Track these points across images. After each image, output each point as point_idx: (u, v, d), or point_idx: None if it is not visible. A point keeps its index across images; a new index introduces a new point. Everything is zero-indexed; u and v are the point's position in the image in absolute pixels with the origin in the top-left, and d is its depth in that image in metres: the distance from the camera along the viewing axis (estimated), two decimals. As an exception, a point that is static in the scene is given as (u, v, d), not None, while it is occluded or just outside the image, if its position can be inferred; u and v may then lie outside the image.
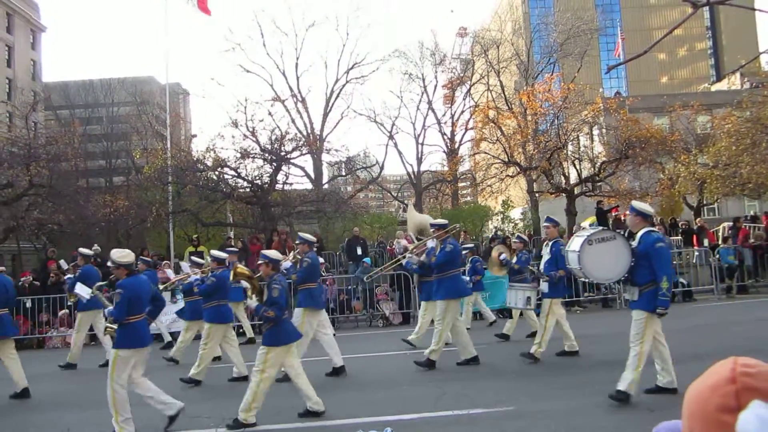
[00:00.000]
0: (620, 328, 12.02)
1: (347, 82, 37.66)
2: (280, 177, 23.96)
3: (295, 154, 24.29)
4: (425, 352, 9.34)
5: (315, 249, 18.48)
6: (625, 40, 44.48)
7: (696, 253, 18.96)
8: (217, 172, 22.71)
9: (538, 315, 10.68)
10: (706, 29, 79.93)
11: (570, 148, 26.84)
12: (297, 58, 36.92)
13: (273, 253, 7.25)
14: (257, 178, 22.80)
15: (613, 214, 20.57)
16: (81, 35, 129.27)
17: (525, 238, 13.06)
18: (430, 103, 38.31)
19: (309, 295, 9.36)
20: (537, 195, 30.32)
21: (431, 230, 9.94)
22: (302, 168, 32.03)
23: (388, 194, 48.10)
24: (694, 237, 20.15)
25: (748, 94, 25.84)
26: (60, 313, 15.72)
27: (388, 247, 20.48)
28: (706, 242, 19.66)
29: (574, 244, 7.44)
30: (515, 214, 33.11)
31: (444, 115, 40.05)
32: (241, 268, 7.34)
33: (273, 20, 69.23)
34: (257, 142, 23.00)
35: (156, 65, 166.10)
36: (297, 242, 10.02)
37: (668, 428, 1.86)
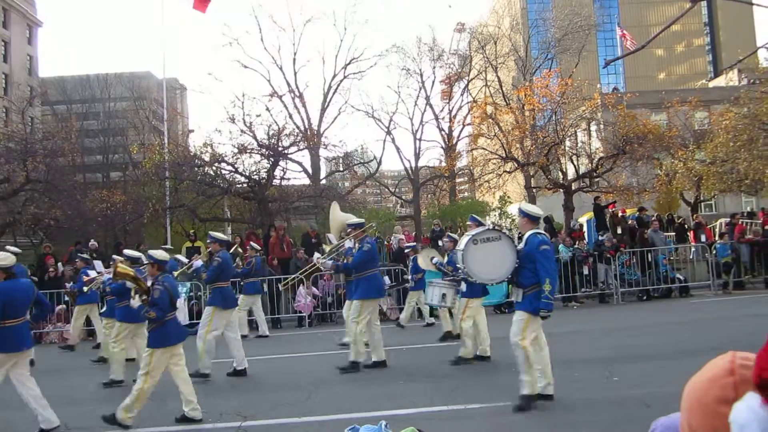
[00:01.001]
0: (617, 324, 12.09)
1: (345, 77, 37.62)
2: (278, 172, 23.94)
3: (293, 149, 24.30)
4: (350, 356, 9.06)
5: (315, 242, 18.58)
6: (624, 37, 44.45)
7: (693, 249, 19.00)
8: (214, 168, 22.69)
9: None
10: (704, 25, 79.94)
11: (567, 143, 26.85)
12: (294, 54, 36.87)
13: (159, 254, 7.19)
14: (254, 173, 22.77)
15: (611, 209, 20.60)
16: (77, 30, 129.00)
17: (456, 237, 12.86)
18: (427, 98, 38.29)
19: (219, 295, 9.18)
20: (534, 191, 30.33)
21: (348, 230, 9.66)
22: (300, 163, 32.04)
23: (386, 190, 48.08)
24: (692, 233, 20.18)
25: (745, 90, 25.84)
26: (57, 309, 15.69)
27: (385, 243, 20.50)
28: (703, 238, 19.69)
29: (461, 242, 7.39)
30: (513, 209, 33.12)
31: (442, 110, 40.05)
32: (123, 267, 7.23)
33: (270, 15, 69.17)
34: (254, 137, 22.98)
35: (153, 60, 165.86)
36: (208, 241, 9.89)
37: (665, 424, 1.86)
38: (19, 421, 7.37)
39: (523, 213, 6.80)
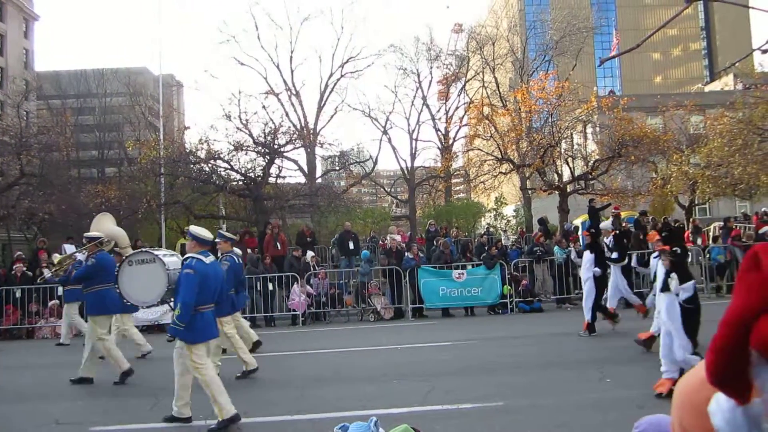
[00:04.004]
0: (610, 326, 12.09)
1: (342, 76, 37.53)
2: (273, 170, 23.90)
3: (289, 147, 24.22)
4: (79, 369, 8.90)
5: (310, 241, 18.50)
6: (619, 42, 44.62)
7: (688, 253, 19.04)
8: (209, 165, 22.62)
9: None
10: (700, 29, 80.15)
11: (563, 146, 26.87)
12: (291, 52, 36.79)
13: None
14: (250, 170, 22.72)
15: (615, 210, 20.61)
16: (74, 25, 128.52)
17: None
18: (424, 98, 38.25)
19: (94, 299, 8.87)
20: (530, 192, 30.37)
21: (84, 242, 9.40)
22: (295, 161, 31.97)
23: (382, 189, 48.05)
24: (686, 234, 20.23)
25: (740, 95, 25.93)
26: (50, 304, 15.65)
27: (380, 242, 20.50)
28: (699, 241, 19.75)
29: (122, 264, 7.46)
30: (508, 211, 33.18)
31: (438, 111, 40.01)
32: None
33: (268, 13, 69.13)
34: (250, 134, 22.92)
35: (149, 56, 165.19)
36: (84, 241, 9.66)
37: (651, 422, 1.87)
38: (16, 414, 7.35)
39: (191, 235, 6.66)
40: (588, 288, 11.31)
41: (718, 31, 79.07)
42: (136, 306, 7.68)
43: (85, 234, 9.64)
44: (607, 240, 12.61)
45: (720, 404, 1.04)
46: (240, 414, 6.27)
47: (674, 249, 6.99)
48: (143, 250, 7.74)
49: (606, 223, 14.57)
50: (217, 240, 9.39)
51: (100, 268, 8.82)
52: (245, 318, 14.13)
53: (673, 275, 7.11)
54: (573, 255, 15.50)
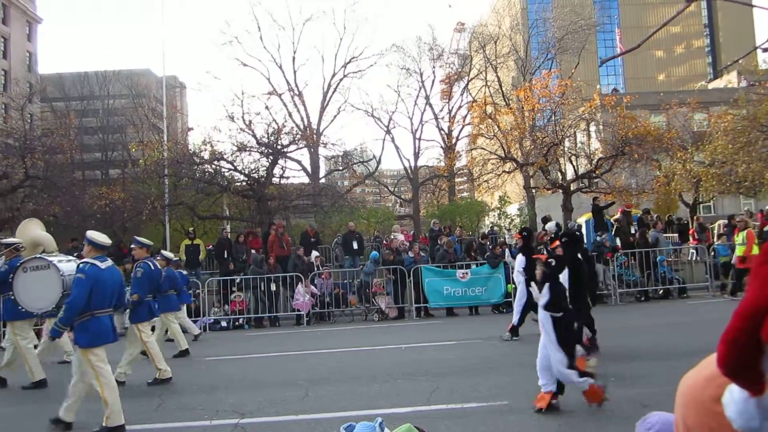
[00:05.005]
0: (614, 324, 12.08)
1: (344, 76, 37.58)
2: (277, 171, 23.92)
3: (292, 147, 24.25)
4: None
5: (313, 241, 18.51)
6: (621, 40, 44.47)
7: (692, 251, 19.02)
8: (213, 165, 22.66)
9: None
10: (704, 27, 79.97)
11: (567, 144, 26.85)
12: (294, 52, 36.83)
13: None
14: (254, 171, 22.75)
15: (627, 208, 20.60)
16: (77, 27, 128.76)
17: (170, 255, 12.63)
18: (427, 98, 38.26)
19: (11, 304, 8.61)
20: (534, 191, 30.33)
21: (2, 249, 9.33)
22: (299, 162, 32.03)
23: (385, 189, 48.07)
24: (691, 232, 20.19)
25: (744, 92, 25.87)
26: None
27: (384, 242, 20.50)
28: (708, 239, 19.74)
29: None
30: (512, 210, 33.13)
31: (441, 110, 40.03)
32: None
33: (270, 14, 69.13)
34: (254, 135, 22.94)
35: (152, 58, 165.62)
36: (2, 247, 9.50)
37: (660, 421, 1.87)
38: (17, 416, 7.37)
39: (87, 240, 6.60)
40: (521, 290, 11.21)
41: (721, 29, 78.86)
42: (30, 312, 7.63)
43: (2, 240, 9.67)
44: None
45: (733, 395, 1.05)
46: (242, 414, 6.27)
47: (549, 261, 6.75)
48: (37, 256, 7.68)
49: (550, 225, 14.55)
50: (132, 246, 9.41)
51: (3, 274, 8.74)
52: (252, 317, 14.19)
53: (533, 284, 7.04)
54: (507, 256, 15.29)
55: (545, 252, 14.56)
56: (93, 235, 6.64)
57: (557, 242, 9.29)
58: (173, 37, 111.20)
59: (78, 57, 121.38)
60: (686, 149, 26.96)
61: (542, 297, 6.53)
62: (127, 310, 8.82)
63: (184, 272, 14.84)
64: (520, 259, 11.24)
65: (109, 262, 6.65)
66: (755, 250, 15.18)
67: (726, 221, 21.07)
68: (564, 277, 7.63)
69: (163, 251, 13.39)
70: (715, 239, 19.69)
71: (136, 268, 8.95)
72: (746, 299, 0.93)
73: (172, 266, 12.05)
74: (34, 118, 39.89)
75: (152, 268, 9.16)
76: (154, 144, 25.94)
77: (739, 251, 15.52)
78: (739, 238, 15.63)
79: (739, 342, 0.93)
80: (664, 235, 19.61)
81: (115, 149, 42.64)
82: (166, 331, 11.19)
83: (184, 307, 13.86)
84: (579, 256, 8.76)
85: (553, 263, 6.64)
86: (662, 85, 68.48)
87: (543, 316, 6.51)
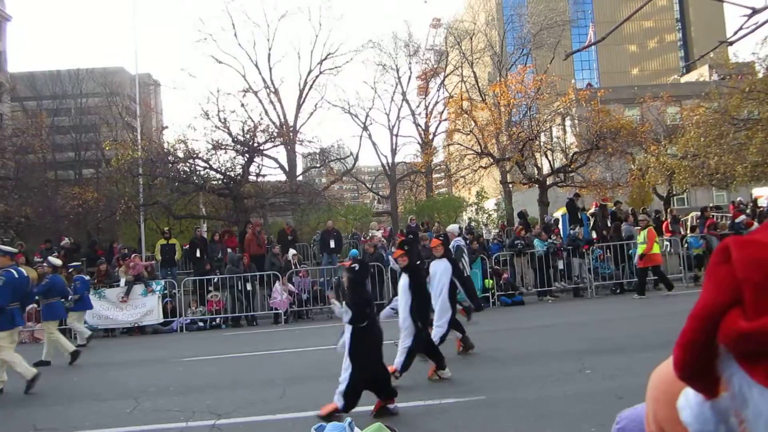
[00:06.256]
0: (591, 317, 12.21)
1: (321, 73, 37.38)
2: (253, 168, 23.73)
3: (268, 145, 24.08)
4: None
5: (291, 239, 18.40)
6: (595, 34, 44.90)
7: (666, 243, 19.28)
8: (188, 164, 22.41)
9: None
10: (676, 21, 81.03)
11: (542, 138, 27.04)
12: (269, 49, 36.55)
13: None
14: (230, 169, 22.55)
15: (604, 202, 20.85)
16: (48, 25, 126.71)
17: (56, 262, 12.45)
18: (404, 94, 38.25)
19: None
20: (510, 186, 30.52)
21: None
22: (275, 159, 31.79)
23: (363, 186, 48.01)
24: (665, 225, 20.46)
25: (715, 86, 26.24)
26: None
27: (362, 239, 20.49)
28: (681, 231, 20.01)
29: None
30: (489, 204, 33.30)
31: (418, 106, 40.04)
32: None
33: (244, 11, 68.64)
34: (229, 133, 22.75)
35: (125, 56, 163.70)
36: None
37: (630, 416, 1.87)
38: (47, 416, 7.25)
39: None
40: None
41: (693, 23, 79.95)
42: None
43: None
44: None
45: (689, 399, 1.04)
46: (219, 414, 6.21)
47: (353, 266, 6.50)
48: None
49: (453, 227, 14.56)
50: None
51: None
52: (229, 316, 14.09)
53: (334, 301, 6.99)
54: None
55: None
56: None
57: (437, 241, 9.20)
58: (147, 35, 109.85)
59: (50, 55, 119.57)
60: (660, 142, 27.30)
61: (345, 315, 6.34)
62: None
63: (86, 277, 14.59)
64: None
65: None
66: (655, 249, 15.29)
67: (699, 213, 21.40)
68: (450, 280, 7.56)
69: (50, 257, 13.12)
70: (688, 231, 19.99)
71: None
72: (702, 301, 0.92)
73: (59, 273, 11.92)
74: (5, 118, 39.13)
75: (16, 276, 8.70)
76: (128, 143, 25.59)
77: (639, 250, 15.47)
78: (641, 236, 15.56)
79: (696, 345, 0.92)
80: (637, 228, 19.85)
81: (89, 149, 41.95)
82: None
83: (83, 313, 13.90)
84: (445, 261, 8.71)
85: (357, 268, 6.50)
86: (636, 79, 69.29)
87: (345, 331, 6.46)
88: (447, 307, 8.70)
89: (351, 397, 6.11)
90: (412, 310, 7.42)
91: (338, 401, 6.11)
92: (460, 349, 9.34)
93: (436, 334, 8.53)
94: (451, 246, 14.07)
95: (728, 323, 0.84)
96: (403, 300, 7.62)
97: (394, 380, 6.99)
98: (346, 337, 6.28)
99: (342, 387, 6.13)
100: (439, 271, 8.75)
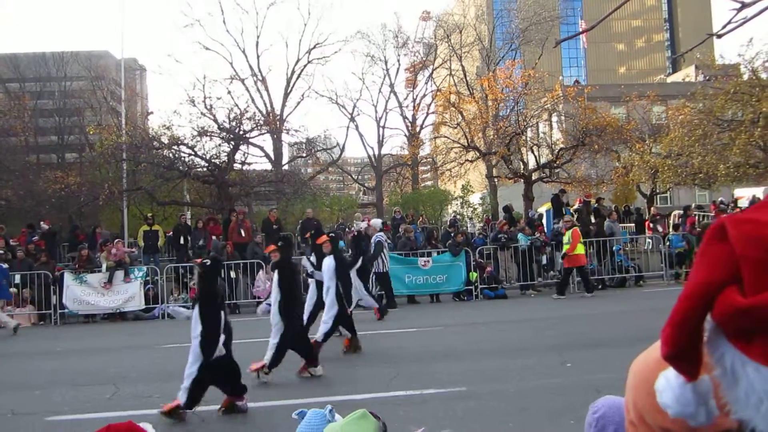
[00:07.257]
0: (572, 312, 12.30)
1: (309, 62, 37.17)
2: (239, 156, 23.63)
3: (254, 133, 23.99)
4: None
5: (276, 228, 18.31)
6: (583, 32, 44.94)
7: (648, 240, 19.46)
8: (173, 150, 22.23)
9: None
10: (664, 21, 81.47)
11: (529, 134, 27.13)
12: (258, 37, 36.23)
13: None
14: (215, 156, 22.42)
15: (587, 198, 20.94)
16: (32, 6, 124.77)
17: None
18: (392, 86, 38.18)
19: None
20: (496, 180, 30.60)
21: None
22: (261, 148, 31.60)
23: (349, 177, 47.94)
24: (646, 223, 20.63)
25: (701, 86, 26.45)
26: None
27: (347, 230, 20.45)
28: (660, 229, 20.17)
29: None
30: (474, 198, 33.37)
31: (406, 98, 39.98)
32: None
33: (234, -3, 67.84)
34: (215, 120, 22.61)
35: (111, 40, 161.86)
36: None
37: (608, 405, 1.88)
38: (26, 402, 7.16)
39: None
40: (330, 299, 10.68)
41: (681, 24, 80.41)
42: None
43: None
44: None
45: (669, 381, 1.04)
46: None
47: (204, 261, 6.40)
48: None
49: (375, 221, 14.59)
50: None
51: None
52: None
53: (179, 308, 6.95)
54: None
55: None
56: None
57: (325, 238, 9.24)
58: (133, 19, 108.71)
59: (34, 37, 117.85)
60: (644, 141, 27.49)
61: (194, 319, 6.14)
62: None
63: (4, 266, 14.52)
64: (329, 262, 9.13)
65: None
66: (579, 249, 15.42)
67: (681, 212, 21.59)
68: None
69: None
70: (670, 230, 20.17)
71: None
72: (694, 280, 0.92)
73: None
74: (-14, 99, 38.54)
75: None
76: (113, 128, 25.32)
77: (563, 249, 15.59)
78: (566, 237, 15.63)
79: (689, 323, 0.92)
80: (621, 225, 20.01)
81: (72, 132, 41.44)
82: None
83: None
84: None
85: (209, 263, 6.45)
86: (623, 77, 69.54)
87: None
88: (333, 304, 8.81)
89: (197, 392, 6.04)
90: (281, 307, 7.43)
91: (182, 397, 6.00)
92: (347, 348, 9.23)
93: (321, 330, 8.72)
94: (372, 240, 14.09)
95: (725, 300, 0.85)
96: (272, 297, 7.68)
97: (264, 376, 7.21)
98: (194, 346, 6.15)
99: (187, 383, 6.03)
100: (326, 269, 8.89)
